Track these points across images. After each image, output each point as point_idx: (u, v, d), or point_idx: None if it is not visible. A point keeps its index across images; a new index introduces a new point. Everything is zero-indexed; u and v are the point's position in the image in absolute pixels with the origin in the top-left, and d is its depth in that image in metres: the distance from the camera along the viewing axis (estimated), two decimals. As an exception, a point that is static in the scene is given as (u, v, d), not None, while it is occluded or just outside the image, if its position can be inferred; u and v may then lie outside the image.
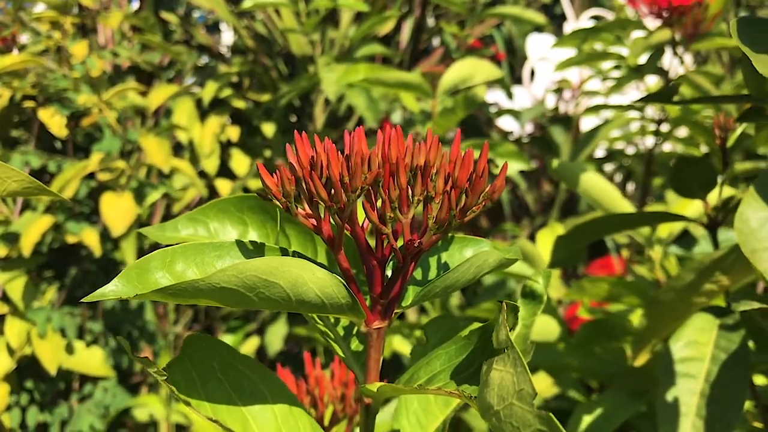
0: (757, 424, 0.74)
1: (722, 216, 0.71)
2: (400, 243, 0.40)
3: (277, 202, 0.38)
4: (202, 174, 1.49)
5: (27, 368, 1.23)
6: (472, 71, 1.08)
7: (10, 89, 1.28)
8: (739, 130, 0.69)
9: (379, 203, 0.39)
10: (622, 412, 0.78)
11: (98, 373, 1.22)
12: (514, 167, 1.11)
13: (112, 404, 1.22)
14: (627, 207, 0.79)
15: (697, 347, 0.67)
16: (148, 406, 1.20)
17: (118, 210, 1.22)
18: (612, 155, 1.55)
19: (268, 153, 1.53)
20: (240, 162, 1.51)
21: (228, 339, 1.46)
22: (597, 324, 0.89)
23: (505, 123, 1.86)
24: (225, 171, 1.50)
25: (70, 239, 1.22)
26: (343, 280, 0.38)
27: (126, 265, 1.22)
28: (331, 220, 0.39)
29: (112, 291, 0.36)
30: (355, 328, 0.44)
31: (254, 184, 1.51)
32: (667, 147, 1.58)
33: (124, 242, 1.21)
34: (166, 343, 1.35)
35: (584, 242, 0.74)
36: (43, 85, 1.25)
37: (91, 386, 1.25)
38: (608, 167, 1.75)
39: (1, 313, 1.20)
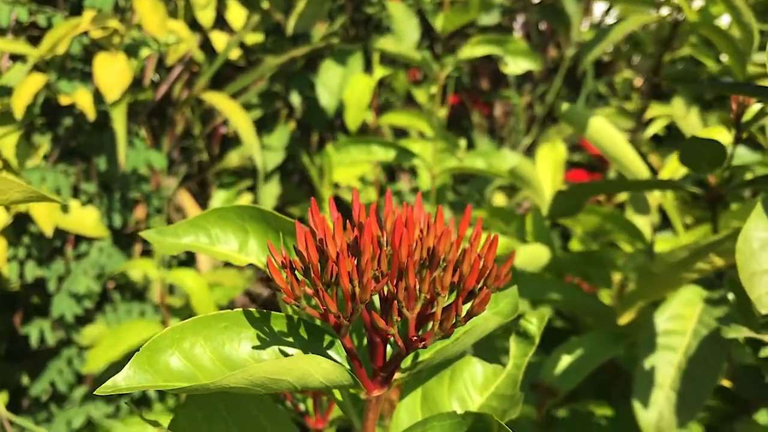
0: (726, 383, 0.77)
1: (724, 190, 0.70)
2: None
3: (287, 301, 0.38)
4: (196, 24, 1.44)
5: (23, 224, 1.25)
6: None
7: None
8: (756, 106, 0.68)
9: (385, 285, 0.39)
10: (602, 353, 0.81)
11: (93, 233, 1.24)
12: (523, 66, 1.08)
13: (107, 265, 1.25)
14: (634, 158, 0.78)
15: (681, 321, 0.70)
16: (142, 269, 1.23)
17: (112, 73, 1.18)
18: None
19: (266, 5, 1.47)
20: (236, 14, 1.45)
21: (221, 195, 1.47)
22: (587, 254, 0.91)
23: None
24: (221, 23, 1.45)
25: (64, 100, 1.20)
26: (347, 367, 0.39)
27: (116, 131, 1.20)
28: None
29: (125, 380, 0.36)
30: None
31: (250, 38, 1.46)
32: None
33: (114, 109, 1.19)
34: (160, 203, 1.36)
35: (584, 199, 0.74)
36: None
37: (86, 245, 1.28)
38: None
39: (-5, 169, 1.21)
